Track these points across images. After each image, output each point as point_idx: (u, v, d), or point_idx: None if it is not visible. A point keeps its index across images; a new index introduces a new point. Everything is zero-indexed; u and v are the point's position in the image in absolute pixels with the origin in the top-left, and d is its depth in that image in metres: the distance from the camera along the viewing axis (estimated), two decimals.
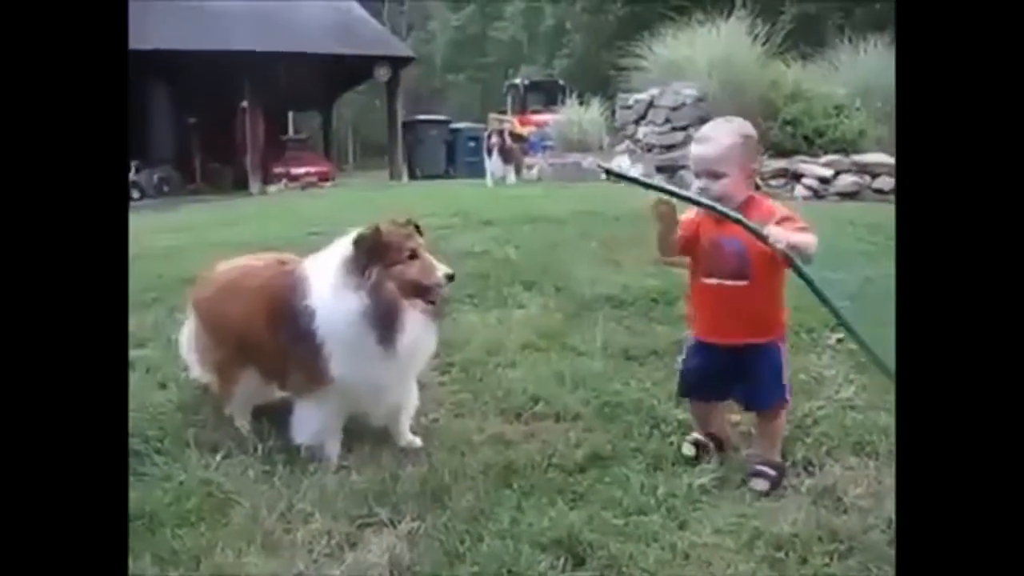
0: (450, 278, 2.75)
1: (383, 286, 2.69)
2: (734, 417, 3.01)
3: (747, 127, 2.75)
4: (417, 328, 2.76)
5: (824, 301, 2.52)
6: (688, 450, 2.81)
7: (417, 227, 2.84)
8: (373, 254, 2.71)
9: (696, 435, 2.86)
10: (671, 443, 2.95)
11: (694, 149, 2.70)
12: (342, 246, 2.81)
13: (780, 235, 2.45)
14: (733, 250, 2.62)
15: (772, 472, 2.66)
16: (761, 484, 2.63)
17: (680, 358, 2.95)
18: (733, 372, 2.72)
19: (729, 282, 2.65)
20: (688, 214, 2.75)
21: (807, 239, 2.50)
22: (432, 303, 2.78)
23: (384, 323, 2.68)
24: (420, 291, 2.74)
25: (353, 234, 2.76)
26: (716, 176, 2.61)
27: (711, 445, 2.82)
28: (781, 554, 2.27)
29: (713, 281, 2.69)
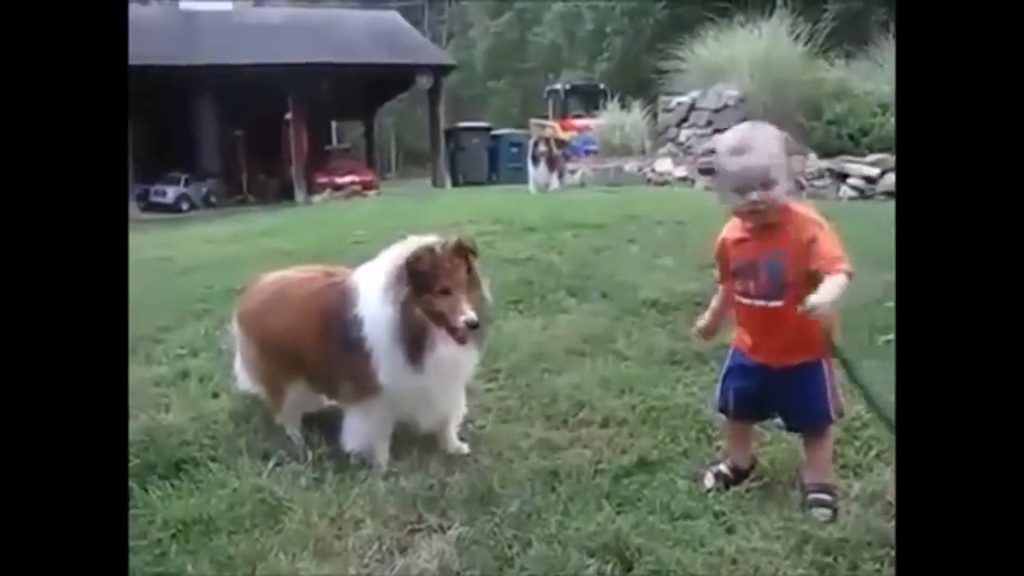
0: (472, 326, 2.69)
1: (411, 310, 2.73)
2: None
3: (782, 136, 2.64)
4: (450, 350, 2.78)
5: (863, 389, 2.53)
6: (708, 481, 2.70)
7: (472, 251, 2.84)
8: (410, 277, 2.73)
9: (721, 466, 2.74)
10: (718, 447, 2.94)
11: (738, 161, 2.50)
12: (388, 259, 2.84)
13: (824, 309, 2.31)
14: (769, 271, 2.52)
15: (828, 497, 2.55)
16: (823, 513, 2.50)
17: (725, 364, 2.82)
18: (773, 392, 2.63)
19: (761, 302, 2.55)
20: (723, 233, 2.69)
21: (842, 283, 2.34)
22: (460, 341, 2.75)
23: (410, 343, 2.74)
24: (446, 326, 2.73)
25: (403, 251, 2.78)
26: (769, 185, 2.47)
27: (732, 477, 2.71)
28: (830, 559, 2.26)
29: (747, 301, 2.60)
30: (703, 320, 2.82)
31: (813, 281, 2.40)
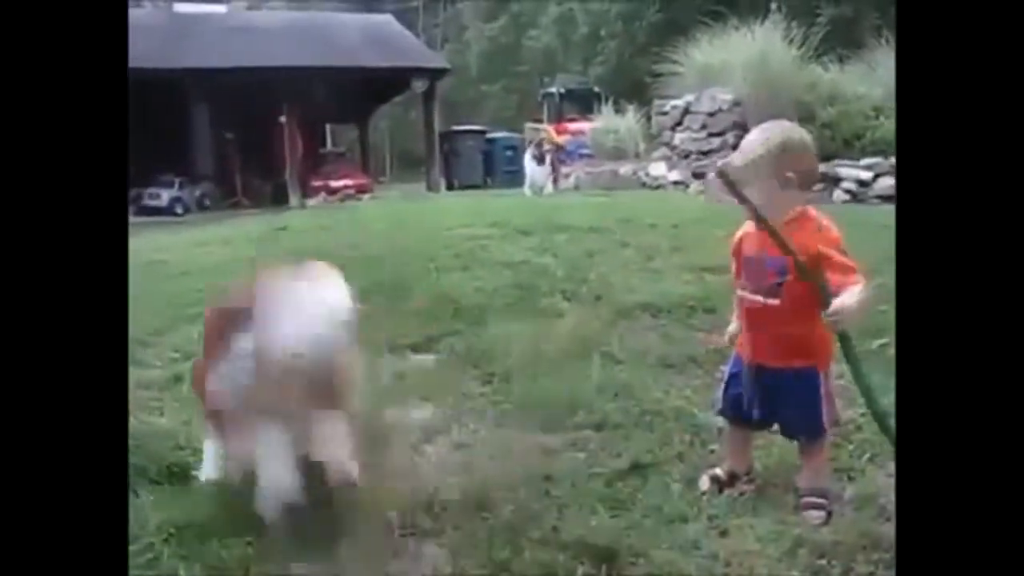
0: None
1: None
2: None
3: (785, 133, 2.55)
4: None
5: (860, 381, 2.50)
6: (704, 484, 2.68)
7: None
8: None
9: (717, 470, 2.72)
10: (712, 451, 2.94)
11: (736, 159, 2.59)
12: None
13: (849, 312, 2.34)
14: (770, 267, 2.50)
15: (822, 501, 2.55)
16: (816, 516, 2.50)
17: (724, 369, 2.84)
18: (769, 399, 2.61)
19: (760, 298, 2.54)
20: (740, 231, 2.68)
21: (864, 297, 2.37)
22: None
23: None
24: None
25: None
26: (744, 184, 2.44)
27: (727, 481, 2.70)
28: (824, 562, 2.26)
29: (749, 297, 2.59)
30: (733, 325, 2.80)
31: (815, 288, 2.40)
